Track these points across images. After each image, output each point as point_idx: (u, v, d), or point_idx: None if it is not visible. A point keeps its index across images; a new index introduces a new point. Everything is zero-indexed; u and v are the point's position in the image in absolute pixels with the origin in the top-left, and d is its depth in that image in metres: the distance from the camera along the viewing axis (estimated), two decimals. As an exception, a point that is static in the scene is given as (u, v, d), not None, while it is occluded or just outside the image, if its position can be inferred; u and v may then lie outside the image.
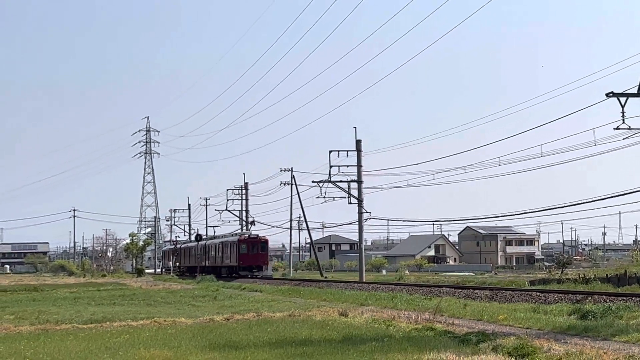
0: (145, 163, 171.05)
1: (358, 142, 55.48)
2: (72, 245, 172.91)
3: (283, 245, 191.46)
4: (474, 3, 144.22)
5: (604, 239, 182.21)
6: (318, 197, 58.60)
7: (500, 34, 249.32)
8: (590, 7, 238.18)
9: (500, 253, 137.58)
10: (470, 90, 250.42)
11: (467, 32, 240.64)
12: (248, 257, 68.85)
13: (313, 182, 59.27)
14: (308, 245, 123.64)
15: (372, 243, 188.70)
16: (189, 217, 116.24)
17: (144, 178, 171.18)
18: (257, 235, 72.62)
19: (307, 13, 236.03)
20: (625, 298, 24.62)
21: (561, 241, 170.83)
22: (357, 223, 56.89)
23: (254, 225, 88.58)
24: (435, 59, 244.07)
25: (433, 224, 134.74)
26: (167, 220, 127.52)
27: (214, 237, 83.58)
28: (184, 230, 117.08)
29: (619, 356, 13.50)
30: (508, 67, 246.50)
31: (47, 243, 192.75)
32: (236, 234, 74.77)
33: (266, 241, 71.48)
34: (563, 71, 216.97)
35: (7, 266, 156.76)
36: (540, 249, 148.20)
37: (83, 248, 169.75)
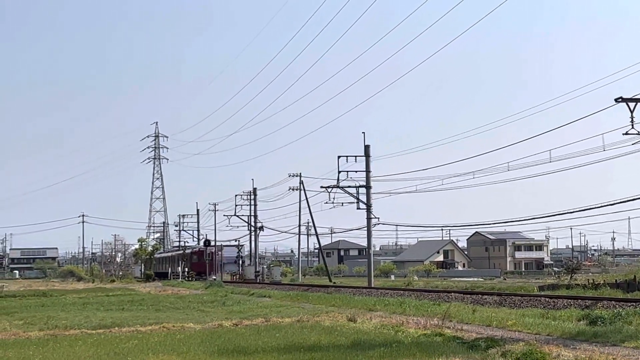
0: (154, 168, 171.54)
1: (367, 148, 55.42)
2: (81, 250, 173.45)
3: (292, 251, 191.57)
4: (487, 8, 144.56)
5: (613, 244, 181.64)
6: (327, 203, 58.60)
7: (510, 42, 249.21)
8: (598, 10, 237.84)
9: (509, 258, 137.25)
10: (479, 96, 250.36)
11: (478, 40, 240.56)
12: (197, 265, 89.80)
13: (322, 187, 59.20)
14: (317, 251, 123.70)
15: (380, 248, 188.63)
16: (198, 222, 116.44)
17: (152, 183, 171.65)
18: (205, 249, 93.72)
19: (315, 19, 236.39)
20: (634, 304, 24.54)
21: (570, 246, 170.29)
22: (366, 228, 56.82)
23: (263, 230, 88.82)
24: (447, 64, 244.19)
25: (442, 230, 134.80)
26: (176, 226, 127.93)
27: (177, 249, 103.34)
28: (192, 235, 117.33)
29: (629, 362, 13.46)
30: (518, 74, 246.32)
31: (56, 248, 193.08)
32: (189, 247, 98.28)
33: (210, 253, 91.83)
34: (573, 76, 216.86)
35: (16, 271, 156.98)
36: (549, 255, 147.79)
37: (92, 253, 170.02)
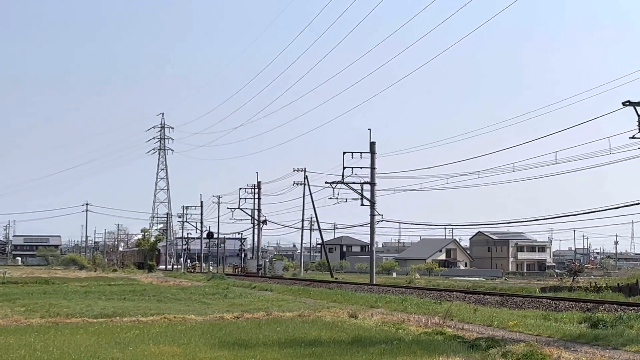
0: (159, 159, 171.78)
1: (372, 144, 55.35)
2: (83, 239, 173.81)
3: (294, 245, 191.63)
4: (490, 10, 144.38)
5: (616, 247, 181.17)
6: (331, 198, 58.67)
7: (516, 41, 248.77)
8: (606, 14, 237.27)
9: (511, 259, 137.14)
10: (485, 95, 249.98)
11: (484, 37, 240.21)
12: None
13: (326, 182, 59.31)
14: (319, 246, 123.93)
15: (383, 245, 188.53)
16: (201, 214, 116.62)
17: (157, 174, 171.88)
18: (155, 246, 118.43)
19: (324, 14, 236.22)
20: (636, 307, 24.50)
21: (573, 249, 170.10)
22: (369, 225, 56.82)
23: (266, 224, 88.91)
24: (450, 63, 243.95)
25: (445, 228, 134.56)
26: (179, 217, 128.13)
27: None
28: (195, 227, 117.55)
29: (629, 366, 13.44)
30: (524, 73, 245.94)
31: (59, 236, 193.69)
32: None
33: (159, 249, 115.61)
34: (579, 78, 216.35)
35: (19, 258, 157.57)
36: (551, 256, 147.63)
37: (95, 242, 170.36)
